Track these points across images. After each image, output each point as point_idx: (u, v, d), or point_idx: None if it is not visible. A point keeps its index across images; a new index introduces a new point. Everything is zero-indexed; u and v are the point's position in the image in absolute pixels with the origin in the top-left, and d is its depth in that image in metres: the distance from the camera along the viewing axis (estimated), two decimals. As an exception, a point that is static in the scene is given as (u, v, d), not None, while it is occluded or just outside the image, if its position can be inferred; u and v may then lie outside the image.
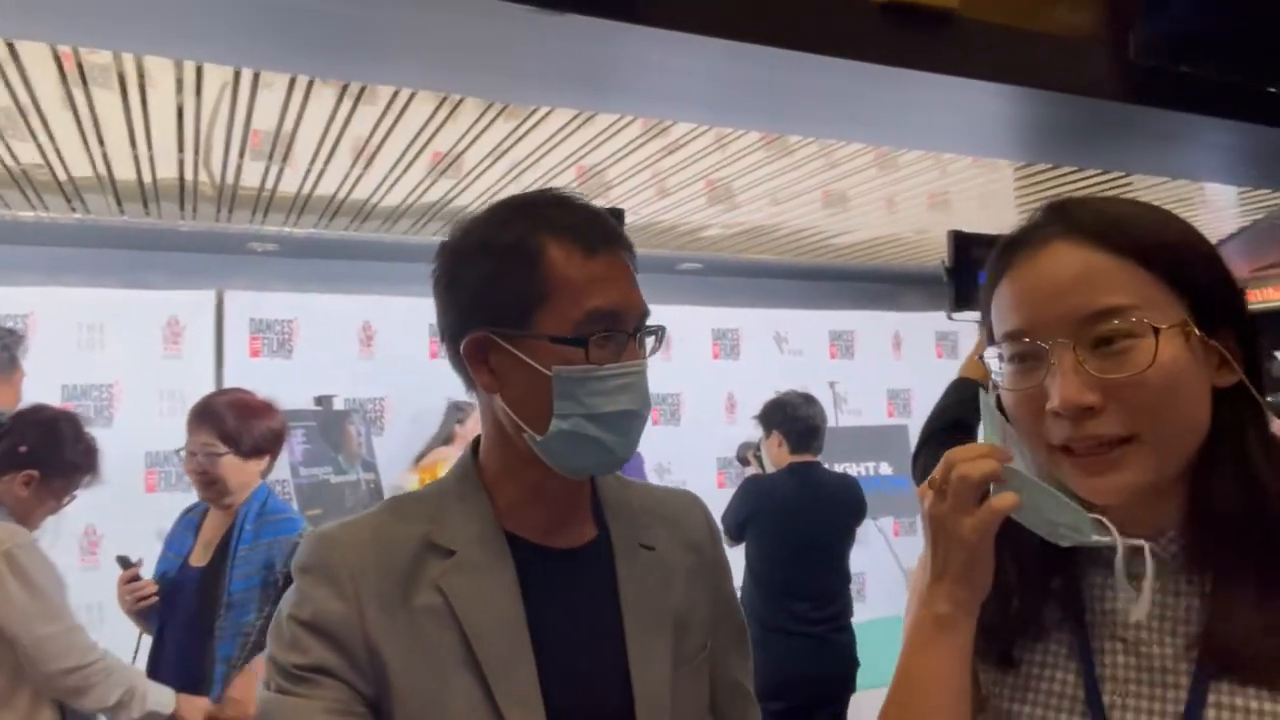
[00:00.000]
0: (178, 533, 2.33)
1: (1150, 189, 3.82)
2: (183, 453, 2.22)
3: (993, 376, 0.76)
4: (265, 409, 2.29)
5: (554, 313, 0.88)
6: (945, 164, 3.52)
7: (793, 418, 3.26)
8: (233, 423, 2.19)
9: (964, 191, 3.92)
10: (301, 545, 0.91)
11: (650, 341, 0.94)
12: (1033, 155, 3.19)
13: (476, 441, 0.99)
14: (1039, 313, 0.72)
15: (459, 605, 0.87)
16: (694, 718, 0.97)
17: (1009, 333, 0.74)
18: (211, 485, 2.19)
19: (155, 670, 2.17)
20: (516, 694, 0.85)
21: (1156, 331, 0.67)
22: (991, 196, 4.02)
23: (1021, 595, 0.77)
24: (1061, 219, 0.74)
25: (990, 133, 2.74)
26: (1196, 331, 0.69)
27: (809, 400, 3.33)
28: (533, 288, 0.88)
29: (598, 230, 0.91)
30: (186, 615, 2.17)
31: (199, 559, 2.22)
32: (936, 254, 5.14)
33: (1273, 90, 2.33)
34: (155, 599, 2.21)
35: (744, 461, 4.75)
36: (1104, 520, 0.71)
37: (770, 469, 3.39)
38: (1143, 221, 0.72)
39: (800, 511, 3.18)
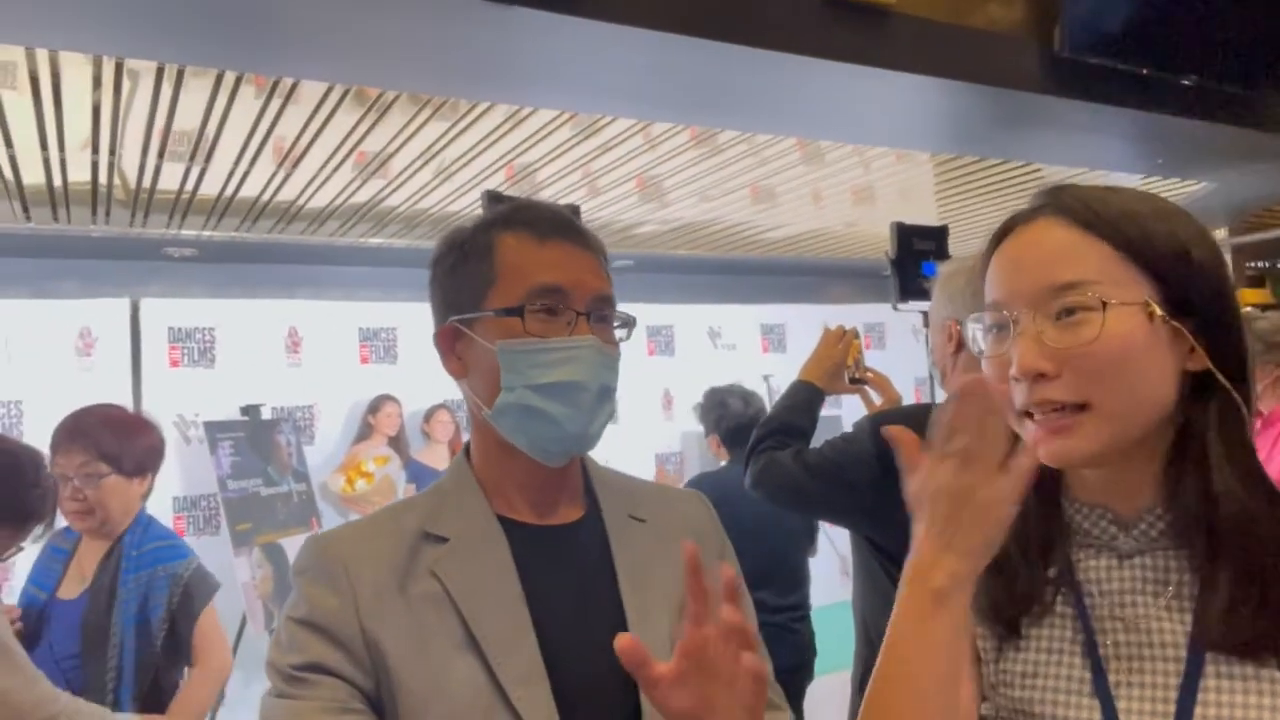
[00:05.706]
0: (43, 563, 2.08)
1: (1060, 182, 3.96)
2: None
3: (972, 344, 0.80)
4: (143, 424, 2.09)
5: (501, 292, 0.93)
6: (869, 159, 3.59)
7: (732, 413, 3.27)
8: (111, 440, 1.97)
9: (886, 185, 4.01)
10: (300, 550, 0.93)
11: (622, 333, 0.99)
12: (958, 147, 3.29)
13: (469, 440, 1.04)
14: (1011, 284, 0.76)
15: (455, 589, 0.88)
16: None
17: (988, 303, 0.78)
18: (91, 512, 1.96)
19: None
20: (519, 672, 0.86)
21: (1105, 305, 0.71)
22: (912, 190, 4.11)
23: (1024, 577, 0.79)
24: (1051, 200, 0.78)
25: (919, 126, 2.82)
26: (1158, 311, 0.72)
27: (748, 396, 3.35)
28: (484, 273, 0.95)
29: (553, 223, 0.96)
30: (56, 652, 1.93)
31: (69, 591, 1.99)
32: (863, 247, 5.25)
33: (1186, 83, 2.45)
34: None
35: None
36: None
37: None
38: (1123, 204, 0.75)
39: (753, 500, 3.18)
